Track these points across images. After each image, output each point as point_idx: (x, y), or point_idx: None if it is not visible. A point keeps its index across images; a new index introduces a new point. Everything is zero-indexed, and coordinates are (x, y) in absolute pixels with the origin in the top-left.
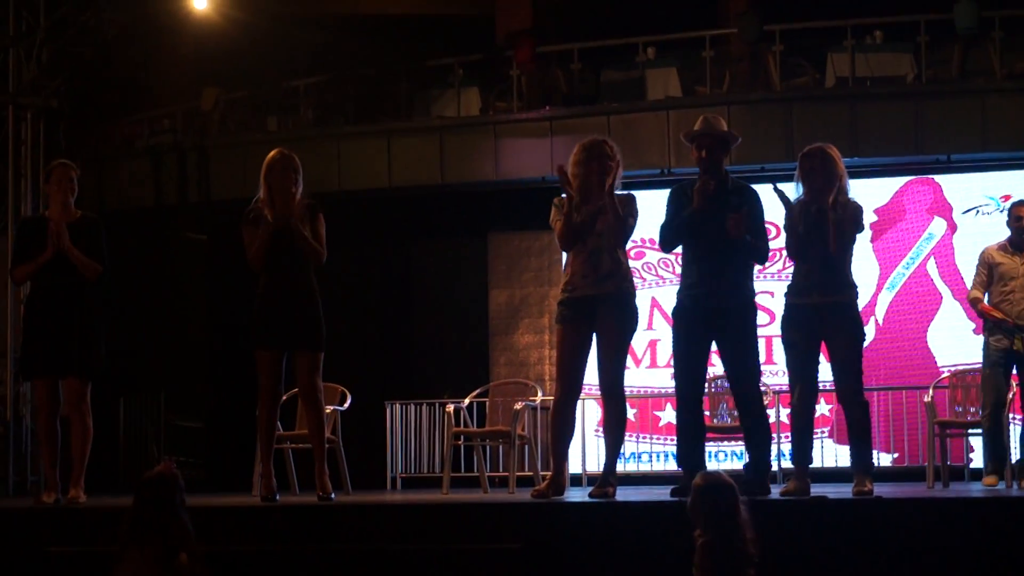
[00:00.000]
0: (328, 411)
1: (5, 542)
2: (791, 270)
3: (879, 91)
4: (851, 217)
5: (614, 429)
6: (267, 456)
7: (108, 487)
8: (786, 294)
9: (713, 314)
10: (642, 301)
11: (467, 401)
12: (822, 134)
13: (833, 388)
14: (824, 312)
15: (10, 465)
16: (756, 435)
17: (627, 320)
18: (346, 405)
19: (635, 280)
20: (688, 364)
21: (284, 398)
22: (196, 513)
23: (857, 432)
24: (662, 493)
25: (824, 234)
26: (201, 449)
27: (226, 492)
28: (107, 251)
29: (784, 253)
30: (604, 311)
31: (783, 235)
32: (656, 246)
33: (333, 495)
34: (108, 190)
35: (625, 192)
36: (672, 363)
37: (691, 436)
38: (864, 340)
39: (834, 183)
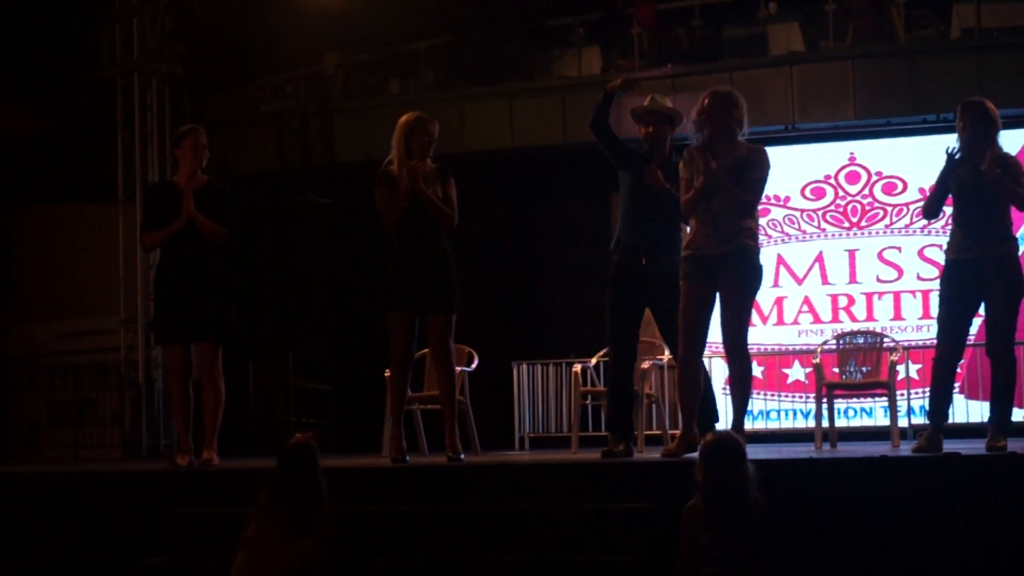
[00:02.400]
0: (456, 372)
1: (140, 504)
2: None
3: (1006, 42)
4: (1012, 172)
5: (740, 387)
6: (397, 417)
7: (239, 450)
8: (945, 251)
9: (648, 279)
10: (768, 258)
11: (594, 360)
12: (948, 87)
13: (973, 343)
14: (983, 266)
15: (143, 429)
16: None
17: (750, 278)
18: (473, 366)
19: (760, 237)
20: (619, 328)
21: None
22: (326, 474)
23: (1000, 388)
24: (791, 451)
25: (982, 189)
26: (329, 411)
27: (354, 454)
28: (233, 215)
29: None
30: (727, 269)
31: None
32: (781, 203)
33: (463, 455)
34: (232, 155)
35: (756, 146)
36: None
37: (624, 403)
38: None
39: (990, 137)
